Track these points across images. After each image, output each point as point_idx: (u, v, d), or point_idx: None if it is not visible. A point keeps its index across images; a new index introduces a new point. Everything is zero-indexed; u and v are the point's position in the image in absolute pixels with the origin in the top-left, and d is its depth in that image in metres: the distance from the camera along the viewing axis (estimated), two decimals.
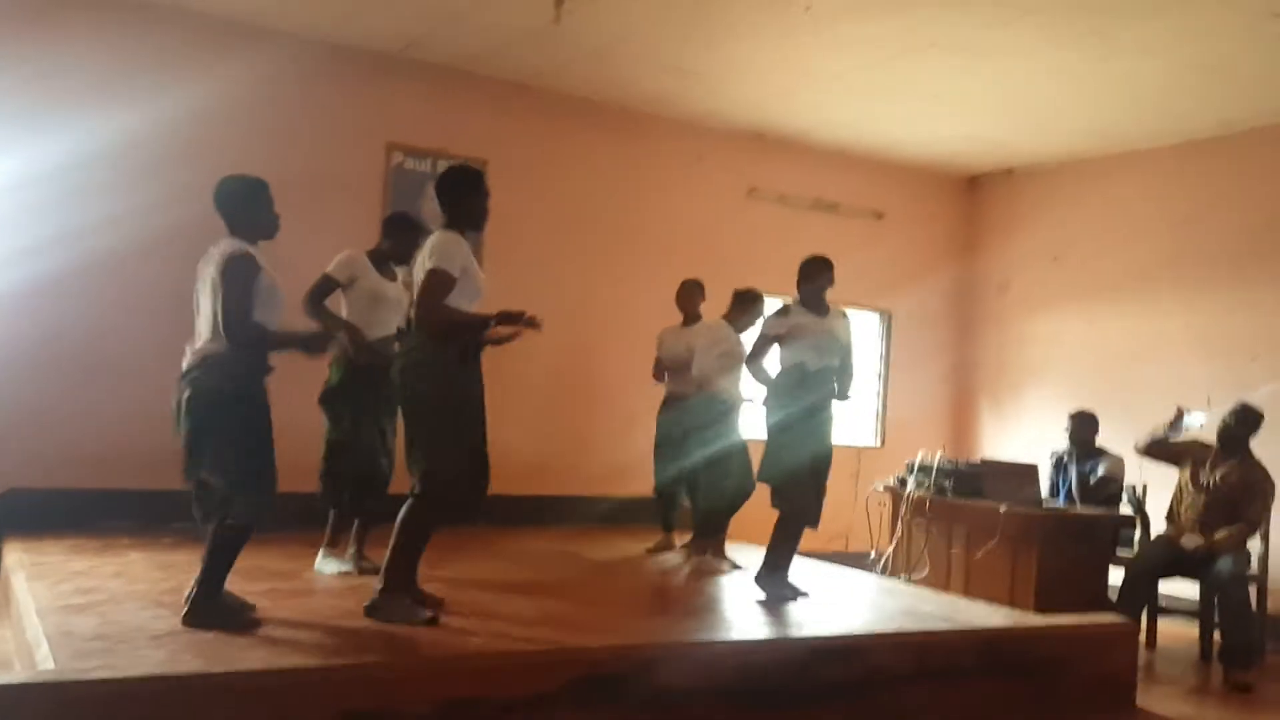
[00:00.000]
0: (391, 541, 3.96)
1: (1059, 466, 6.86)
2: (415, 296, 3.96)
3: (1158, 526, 6.28)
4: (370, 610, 3.95)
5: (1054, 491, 6.78)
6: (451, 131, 7.25)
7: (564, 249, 7.50)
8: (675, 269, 7.39)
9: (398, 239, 5.07)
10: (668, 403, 6.28)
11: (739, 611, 4.94)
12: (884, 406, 9.17)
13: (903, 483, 6.83)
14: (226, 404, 3.73)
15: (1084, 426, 6.78)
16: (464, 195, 4.14)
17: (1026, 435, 8.64)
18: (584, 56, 6.92)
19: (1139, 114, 7.41)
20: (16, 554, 5.05)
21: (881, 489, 7.05)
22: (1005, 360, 9.10)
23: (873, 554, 6.97)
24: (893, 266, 9.02)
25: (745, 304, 6.08)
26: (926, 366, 9.30)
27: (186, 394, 3.76)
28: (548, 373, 7.10)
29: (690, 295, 6.44)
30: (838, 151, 8.76)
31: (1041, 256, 8.86)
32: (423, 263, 3.95)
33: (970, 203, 9.54)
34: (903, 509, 6.73)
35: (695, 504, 6.09)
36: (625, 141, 7.96)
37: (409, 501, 3.97)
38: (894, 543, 6.77)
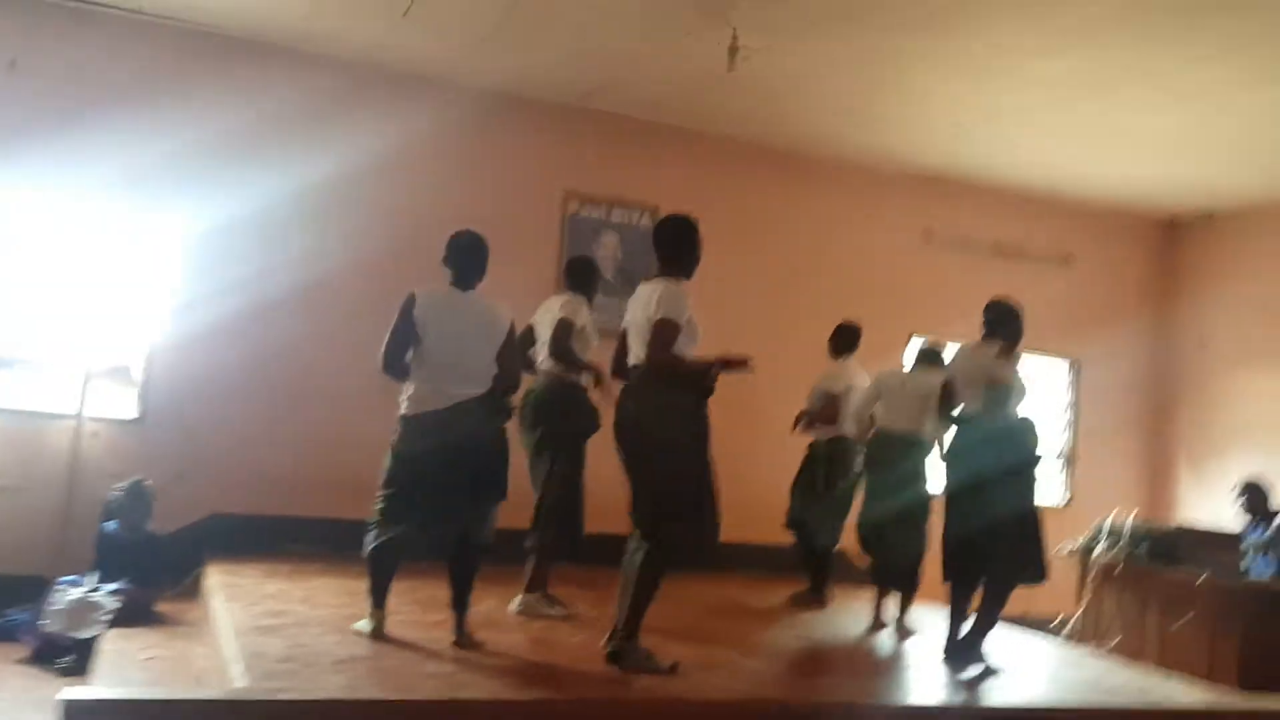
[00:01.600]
0: (632, 589, 3.98)
1: (1258, 546, 6.32)
2: (647, 345, 4.03)
3: None
4: (615, 658, 3.98)
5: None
6: (625, 179, 7.42)
7: (740, 294, 7.48)
8: (851, 313, 7.29)
9: (583, 282, 5.21)
10: None
11: (918, 674, 4.77)
12: (1071, 459, 8.70)
13: (1091, 545, 6.45)
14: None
15: (1254, 492, 6.44)
16: (685, 245, 4.23)
17: (1229, 501, 8.02)
18: (758, 102, 6.96)
19: None
20: (216, 575, 5.39)
21: (1068, 552, 6.68)
22: (1206, 419, 8.49)
23: (1058, 620, 6.59)
24: (1082, 313, 8.59)
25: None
26: (1118, 421, 8.78)
27: None
28: (728, 419, 7.07)
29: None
30: (1021, 193, 8.46)
31: (1246, 308, 8.26)
32: (648, 311, 4.04)
33: (1167, 248, 9.01)
34: (1092, 573, 6.35)
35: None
36: (798, 185, 7.93)
37: (646, 549, 3.98)
38: (1081, 608, 6.39)
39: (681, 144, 7.58)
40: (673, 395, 4.03)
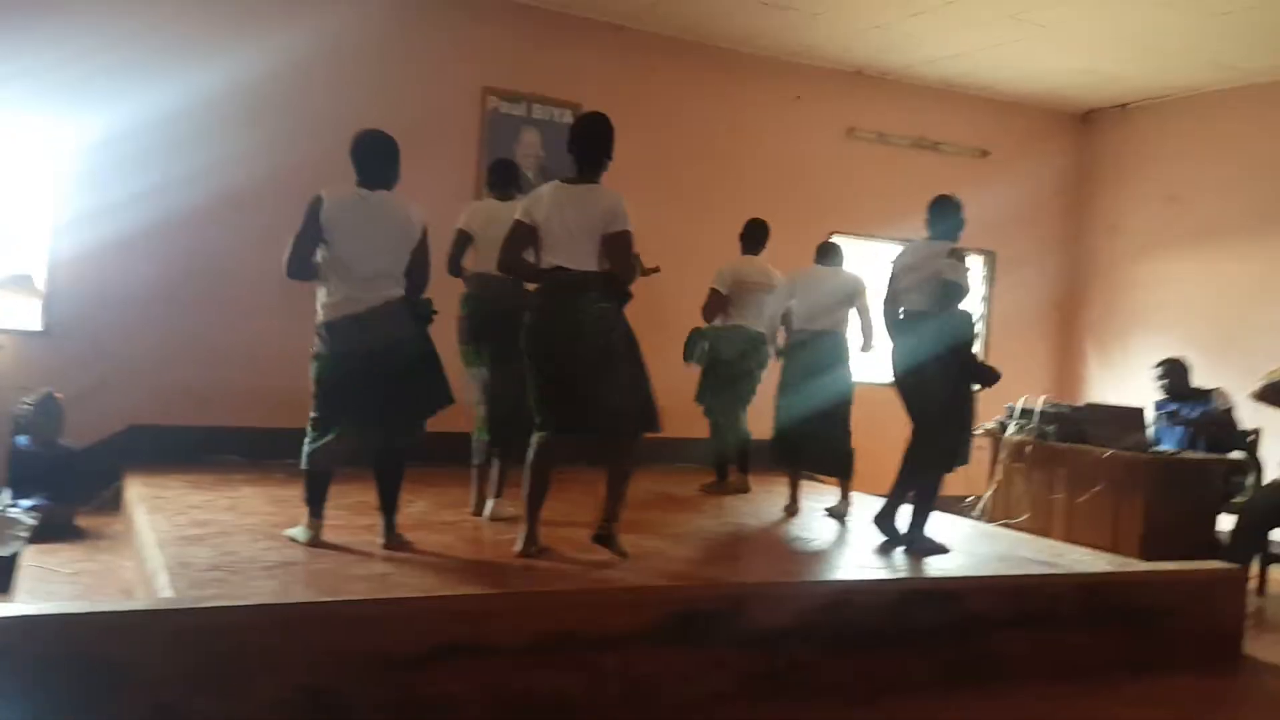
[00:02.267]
0: (623, 482, 4.16)
1: (1169, 417, 6.60)
2: (613, 255, 4.06)
3: (1271, 473, 6.04)
4: (606, 540, 4.16)
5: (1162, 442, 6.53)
6: (545, 75, 7.26)
7: (659, 191, 7.44)
8: (772, 210, 7.31)
9: (504, 185, 5.12)
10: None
11: (834, 553, 4.94)
12: (986, 350, 8.95)
13: (1003, 426, 6.69)
14: None
15: (1176, 372, 6.56)
16: (609, 146, 4.19)
17: (1134, 382, 8.34)
18: None
19: (1262, 45, 6.99)
20: (137, 487, 5.31)
21: (980, 432, 6.91)
22: (1114, 305, 8.79)
23: (969, 498, 6.86)
24: (998, 206, 8.71)
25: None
26: (1031, 310, 9.05)
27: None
28: (643, 316, 7.10)
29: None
30: (941, 88, 8.50)
31: (1156, 197, 8.49)
32: (602, 220, 4.04)
33: (1082, 140, 9.17)
34: (1002, 453, 6.60)
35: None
36: (720, 81, 7.85)
37: (621, 442, 4.13)
38: (993, 487, 6.66)
39: (603, 39, 7.42)
40: (609, 302, 4.09)
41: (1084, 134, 9.16)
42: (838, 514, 5.66)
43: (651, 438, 4.29)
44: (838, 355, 5.72)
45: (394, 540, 4.25)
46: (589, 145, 4.17)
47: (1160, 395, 6.66)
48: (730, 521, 5.51)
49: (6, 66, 5.92)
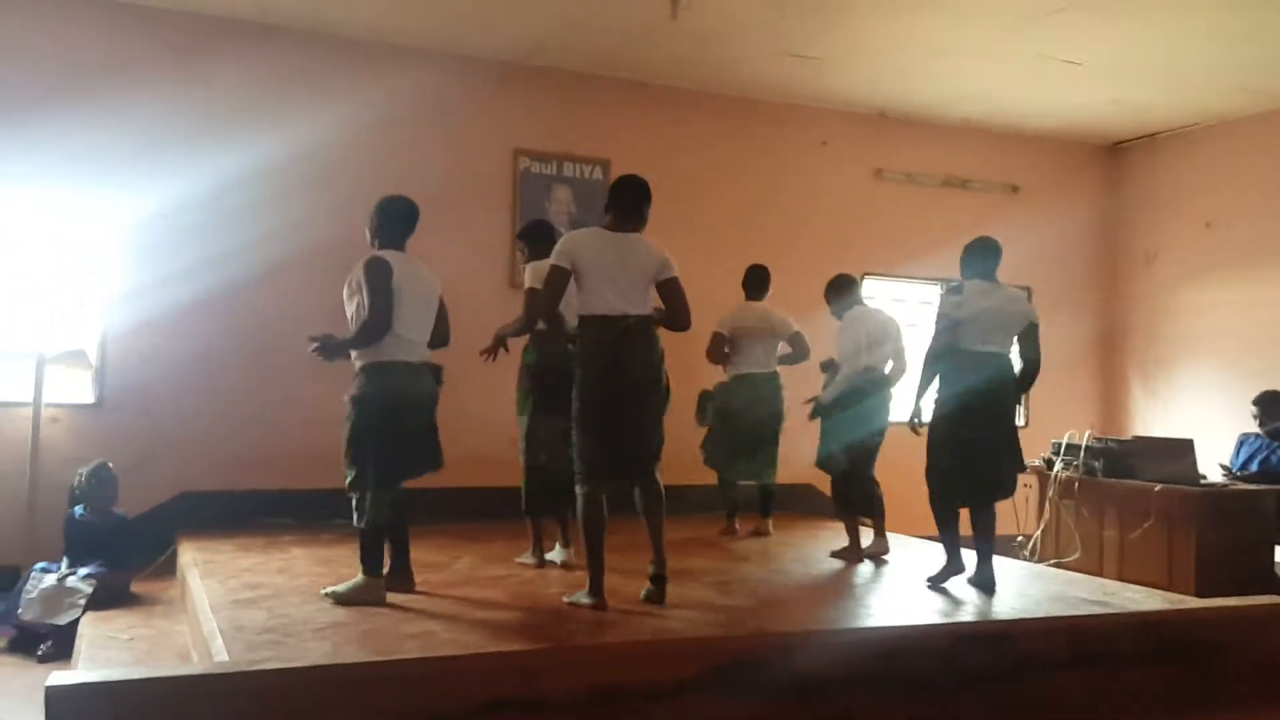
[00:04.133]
0: (661, 527, 4.26)
1: (1247, 449, 6.47)
2: (670, 300, 4.26)
3: None
4: (663, 591, 4.27)
5: (1239, 468, 6.41)
6: (574, 134, 7.40)
7: (688, 242, 7.41)
8: (803, 255, 7.39)
9: (540, 244, 5.20)
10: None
11: (882, 599, 4.90)
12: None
13: (1049, 464, 6.63)
14: None
15: (1274, 409, 6.39)
16: (648, 204, 4.36)
17: (1183, 411, 8.27)
18: (701, 49, 6.95)
19: None
20: (190, 552, 5.40)
21: (1027, 471, 6.85)
22: (1155, 334, 8.71)
23: (1019, 538, 6.79)
24: (1031, 241, 8.69)
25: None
26: (1071, 344, 8.96)
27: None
28: (673, 366, 7.16)
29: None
30: (967, 126, 8.55)
31: (1190, 224, 8.44)
32: (655, 268, 4.23)
33: (1112, 171, 9.16)
34: (1050, 491, 6.53)
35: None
36: (746, 130, 7.95)
37: (657, 486, 4.25)
38: (1041, 526, 6.58)
39: (629, 95, 7.56)
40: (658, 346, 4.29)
41: (1114, 165, 9.14)
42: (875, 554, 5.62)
43: (673, 486, 4.34)
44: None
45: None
46: (633, 200, 4.30)
47: (1258, 428, 6.49)
48: (777, 569, 5.48)
49: (62, 147, 6.15)
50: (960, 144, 8.60)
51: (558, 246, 4.24)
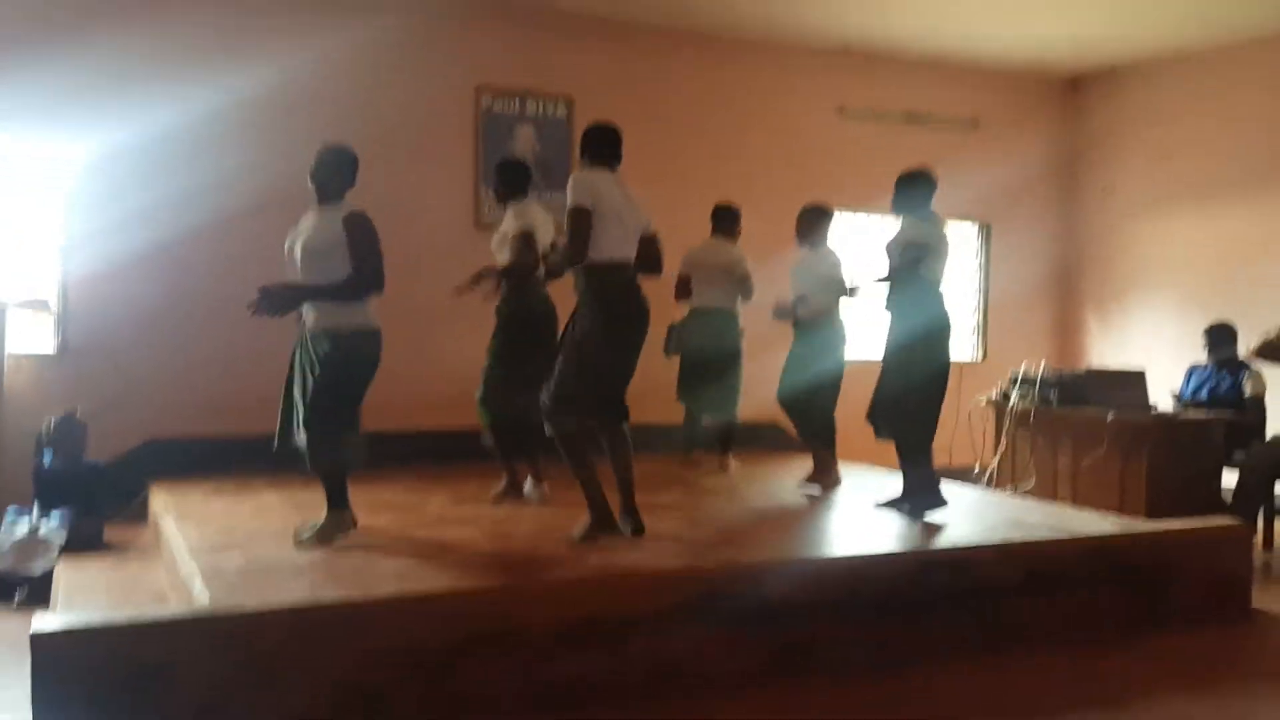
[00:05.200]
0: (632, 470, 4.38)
1: (1196, 378, 6.62)
2: (656, 252, 4.40)
3: (1274, 428, 6.13)
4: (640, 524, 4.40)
5: (1189, 396, 6.58)
6: (537, 71, 7.32)
7: (652, 181, 7.47)
8: (768, 192, 7.42)
9: (515, 185, 5.25)
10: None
11: (845, 528, 5.04)
12: (985, 320, 9.05)
13: (1006, 395, 6.78)
14: None
15: (1223, 340, 6.50)
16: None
17: (1136, 344, 8.45)
18: None
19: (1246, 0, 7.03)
20: (162, 498, 5.43)
21: (984, 403, 7.02)
22: (1111, 268, 8.86)
23: (977, 468, 6.97)
24: (991, 176, 8.79)
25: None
26: (1028, 278, 9.12)
27: None
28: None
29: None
30: (928, 61, 8.55)
31: (1148, 158, 8.54)
32: (646, 219, 4.37)
33: (1071, 106, 9.22)
34: (1006, 421, 6.70)
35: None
36: (709, 67, 7.91)
37: (626, 429, 4.34)
38: (998, 455, 6.76)
39: (592, 32, 7.47)
40: None
41: (1073, 100, 9.21)
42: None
43: (637, 424, 4.43)
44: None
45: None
46: (619, 144, 4.40)
47: (1206, 359, 6.60)
48: (743, 503, 5.60)
49: (16, 89, 6.01)
50: (921, 79, 8.61)
51: (580, 186, 4.17)
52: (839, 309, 5.80)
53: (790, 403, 5.86)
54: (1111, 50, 8.35)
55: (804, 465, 6.03)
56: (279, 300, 4.15)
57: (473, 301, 5.17)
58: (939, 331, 4.93)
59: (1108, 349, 8.78)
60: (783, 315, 5.85)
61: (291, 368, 4.41)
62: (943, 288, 5.01)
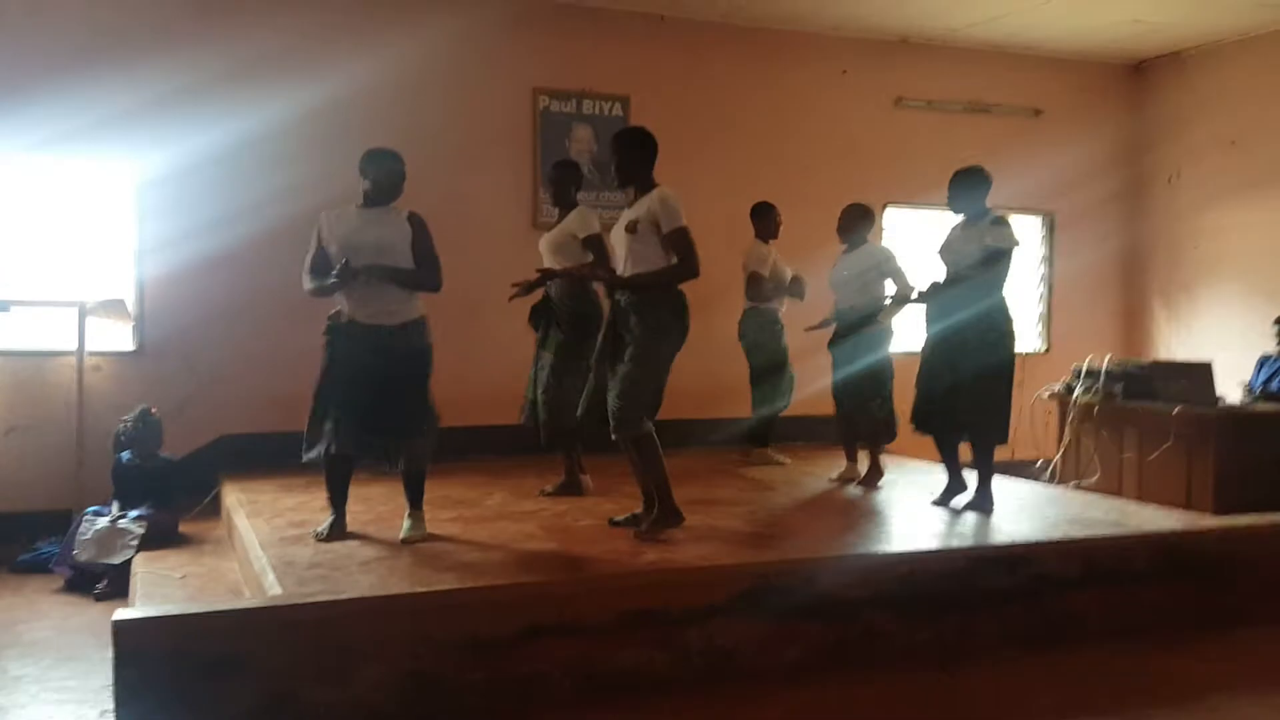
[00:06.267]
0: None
1: (1267, 369, 6.49)
2: (683, 252, 4.32)
3: None
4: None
5: (1259, 387, 6.45)
6: (593, 71, 7.39)
7: (708, 176, 7.53)
8: (823, 187, 7.40)
9: (571, 187, 5.42)
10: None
11: (904, 523, 5.03)
12: (1049, 312, 8.92)
13: (1070, 389, 6.70)
14: None
15: None
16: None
17: (1205, 334, 8.28)
18: None
19: None
20: (234, 494, 5.60)
21: (1047, 396, 6.94)
22: (1179, 257, 8.67)
23: (1039, 462, 6.89)
24: (1054, 165, 8.66)
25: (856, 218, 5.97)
26: (1093, 268, 8.97)
27: None
28: (698, 299, 7.24)
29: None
30: (988, 50, 8.45)
31: (1216, 144, 8.35)
32: (667, 220, 4.32)
33: (1136, 92, 9.04)
34: (1070, 415, 6.62)
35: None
36: (765, 62, 7.90)
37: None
38: (1062, 450, 6.68)
39: (646, 30, 7.52)
40: None
41: (1138, 86, 9.03)
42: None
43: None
44: None
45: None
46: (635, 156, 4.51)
47: (1277, 349, 6.51)
48: (799, 497, 5.62)
49: (93, 106, 6.24)
50: (982, 69, 8.51)
51: (677, 205, 4.34)
52: (884, 309, 5.78)
53: (841, 399, 5.86)
54: (1176, 34, 8.17)
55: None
56: (375, 272, 4.27)
57: (528, 300, 5.27)
58: (1012, 331, 4.92)
59: (1176, 341, 8.61)
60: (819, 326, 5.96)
61: (340, 364, 4.42)
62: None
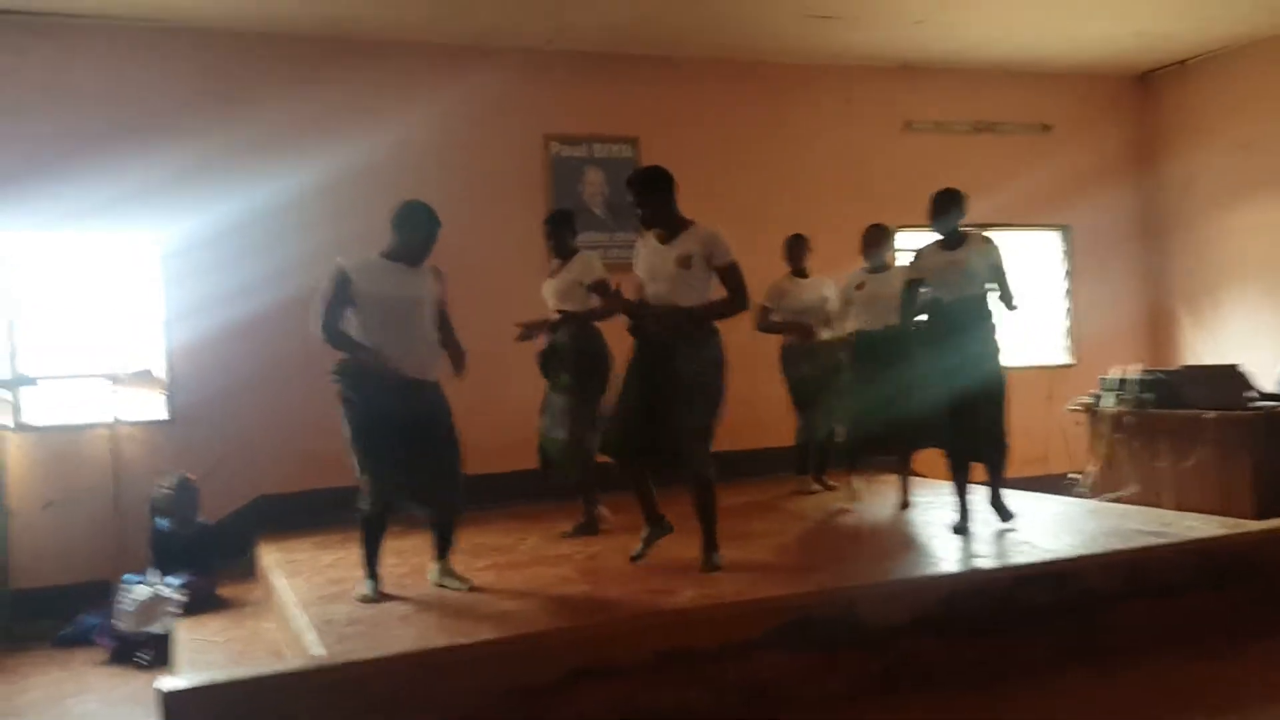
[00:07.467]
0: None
1: None
2: (736, 286, 4.39)
3: None
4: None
5: None
6: (601, 115, 7.48)
7: (721, 211, 7.48)
8: (835, 213, 7.42)
9: (568, 232, 5.53)
10: None
11: (941, 545, 4.99)
12: (1073, 324, 8.87)
13: (1098, 399, 6.65)
14: None
15: None
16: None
17: (1233, 337, 8.20)
18: (720, 17, 6.98)
19: None
20: (271, 554, 5.63)
21: (1078, 408, 6.89)
22: (1199, 262, 8.62)
23: (1070, 475, 6.83)
24: (1067, 179, 8.67)
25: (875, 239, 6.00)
26: (1114, 278, 8.93)
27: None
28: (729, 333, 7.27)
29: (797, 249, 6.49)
30: (993, 69, 8.49)
31: (1227, 149, 8.32)
32: (719, 255, 4.39)
33: (1143, 102, 9.05)
34: (1101, 427, 6.56)
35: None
36: (772, 94, 7.97)
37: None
38: (1097, 463, 6.61)
39: (652, 71, 7.62)
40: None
41: (1145, 95, 9.04)
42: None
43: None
44: None
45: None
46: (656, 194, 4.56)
47: None
48: (831, 525, 5.59)
49: (112, 188, 6.37)
50: (988, 88, 8.55)
51: (728, 240, 4.43)
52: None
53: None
54: (1180, 43, 8.19)
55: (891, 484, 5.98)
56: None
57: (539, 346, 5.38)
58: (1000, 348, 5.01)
59: (1203, 346, 8.53)
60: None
61: (385, 417, 4.39)
62: None
